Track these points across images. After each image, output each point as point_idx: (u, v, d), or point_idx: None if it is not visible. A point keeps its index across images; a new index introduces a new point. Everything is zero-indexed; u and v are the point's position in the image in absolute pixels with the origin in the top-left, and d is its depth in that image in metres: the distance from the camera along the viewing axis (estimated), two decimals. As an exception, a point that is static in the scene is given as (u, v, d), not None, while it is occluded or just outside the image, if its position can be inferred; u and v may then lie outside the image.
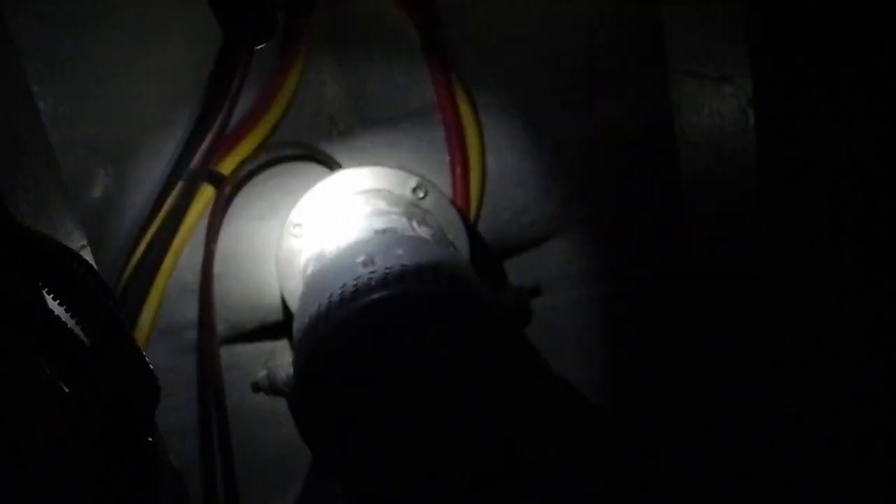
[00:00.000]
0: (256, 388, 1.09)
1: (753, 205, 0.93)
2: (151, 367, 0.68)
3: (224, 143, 1.28)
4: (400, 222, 1.22)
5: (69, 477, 0.68)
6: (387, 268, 1.01)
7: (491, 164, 1.33)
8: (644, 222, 1.33)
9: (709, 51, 0.95)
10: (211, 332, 1.28)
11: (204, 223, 1.28)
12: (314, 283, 1.10)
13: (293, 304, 1.27)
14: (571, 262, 1.39)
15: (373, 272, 1.00)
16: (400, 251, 1.06)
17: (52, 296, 0.64)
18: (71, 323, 0.64)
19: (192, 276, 1.29)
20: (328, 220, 1.26)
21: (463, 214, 1.30)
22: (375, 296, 0.95)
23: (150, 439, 0.66)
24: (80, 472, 0.68)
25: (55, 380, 0.64)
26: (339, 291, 1.00)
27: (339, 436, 0.98)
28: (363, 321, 0.95)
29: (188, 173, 1.25)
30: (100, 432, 0.64)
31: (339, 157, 1.33)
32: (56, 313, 0.64)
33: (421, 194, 1.29)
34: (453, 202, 1.30)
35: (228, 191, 1.29)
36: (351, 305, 0.96)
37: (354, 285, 0.99)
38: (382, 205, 1.26)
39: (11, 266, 0.63)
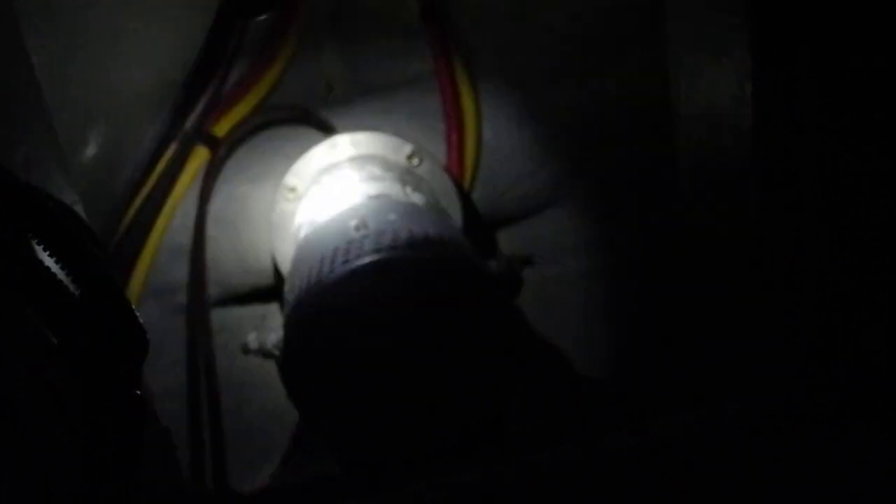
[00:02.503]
0: (246, 350, 1.09)
1: (748, 178, 0.93)
2: (141, 319, 0.67)
3: (219, 106, 1.27)
4: (393, 188, 1.22)
5: (55, 427, 0.69)
6: (379, 232, 1.01)
7: (487, 134, 1.33)
8: (639, 196, 1.33)
9: (708, 22, 0.94)
10: (202, 295, 1.27)
11: (197, 185, 1.27)
12: (306, 246, 1.10)
13: (285, 268, 1.27)
14: (565, 235, 1.38)
15: (365, 236, 1.01)
16: (393, 216, 1.06)
17: (42, 246, 0.64)
18: (61, 274, 0.64)
19: (185, 238, 1.28)
20: (322, 185, 1.26)
21: (457, 183, 1.30)
22: (367, 260, 0.96)
23: (137, 392, 0.66)
24: (66, 422, 0.68)
25: (43, 329, 0.64)
26: (330, 255, 1.00)
27: (327, 398, 0.98)
28: (354, 284, 0.95)
29: (182, 135, 1.24)
30: (87, 383, 0.64)
31: (334, 122, 1.32)
32: (46, 264, 0.64)
33: (415, 161, 1.29)
34: (448, 170, 1.30)
35: (223, 153, 1.28)
36: (342, 269, 0.96)
37: (346, 249, 0.99)
38: (376, 170, 1.26)
39: (1, 214, 0.63)
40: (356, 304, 0.95)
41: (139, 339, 0.67)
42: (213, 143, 1.27)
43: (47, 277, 0.63)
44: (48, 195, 0.66)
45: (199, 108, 1.25)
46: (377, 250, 0.97)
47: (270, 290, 1.35)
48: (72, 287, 0.64)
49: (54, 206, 0.65)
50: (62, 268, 0.64)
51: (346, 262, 0.96)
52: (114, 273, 0.66)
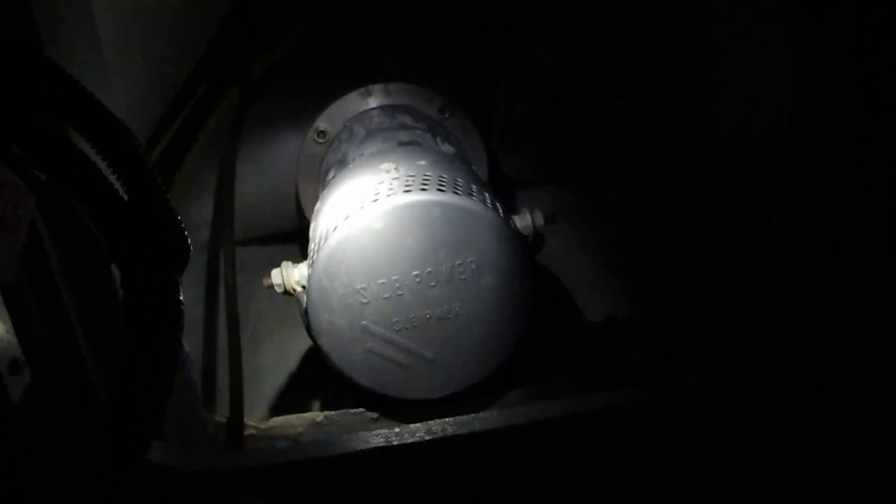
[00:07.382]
0: (269, 286, 1.10)
1: (781, 146, 0.94)
2: (184, 227, 0.69)
3: (254, 47, 1.28)
4: (424, 137, 1.23)
5: (99, 323, 0.70)
6: (409, 175, 1.02)
7: (517, 93, 1.34)
8: (664, 168, 1.34)
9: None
10: (226, 233, 1.29)
11: (228, 124, 1.28)
12: (336, 185, 1.11)
13: (309, 210, 1.28)
14: (586, 199, 1.40)
15: (395, 178, 1.02)
16: (423, 162, 1.07)
17: (97, 150, 0.65)
18: (112, 177, 0.66)
19: (212, 176, 1.30)
20: (353, 130, 1.27)
21: (485, 139, 1.32)
22: (397, 200, 0.97)
23: (180, 297, 0.67)
24: (110, 320, 0.70)
25: (92, 228, 0.66)
26: (360, 193, 1.01)
27: (349, 334, 1.00)
28: (382, 222, 0.96)
29: (216, 74, 1.26)
30: (131, 284, 0.66)
31: (368, 73, 1.34)
32: (98, 167, 0.65)
33: (446, 114, 1.31)
34: (476, 126, 1.32)
35: (255, 94, 1.30)
36: (372, 207, 0.97)
37: (376, 189, 1.01)
38: (408, 120, 1.27)
39: (64, 118, 0.64)
40: (383, 242, 0.97)
41: (182, 245, 0.69)
42: (245, 83, 1.28)
43: (100, 179, 0.65)
44: (107, 108, 0.67)
45: (234, 48, 1.26)
46: (407, 192, 0.98)
47: (293, 232, 1.36)
48: (121, 191, 0.66)
49: (110, 116, 0.66)
50: (114, 172, 0.66)
51: (375, 200, 0.98)
52: (161, 181, 0.68)
